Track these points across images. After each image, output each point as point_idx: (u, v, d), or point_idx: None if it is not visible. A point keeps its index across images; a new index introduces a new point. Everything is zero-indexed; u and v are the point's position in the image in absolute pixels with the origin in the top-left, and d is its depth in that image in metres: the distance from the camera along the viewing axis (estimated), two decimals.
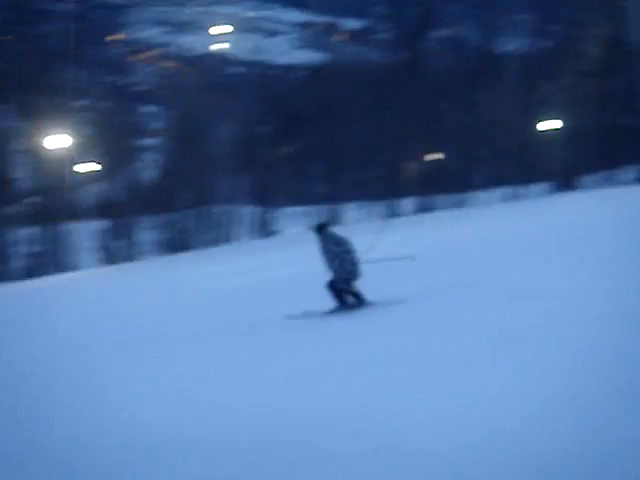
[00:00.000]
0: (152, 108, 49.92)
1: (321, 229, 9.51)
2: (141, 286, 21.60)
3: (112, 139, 39.30)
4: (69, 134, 37.00)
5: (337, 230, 9.98)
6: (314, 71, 52.54)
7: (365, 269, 9.64)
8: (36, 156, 38.53)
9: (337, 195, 40.76)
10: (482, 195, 41.04)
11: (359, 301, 9.43)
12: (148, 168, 43.26)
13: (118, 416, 6.24)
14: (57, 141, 36.92)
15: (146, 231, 39.33)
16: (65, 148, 37.32)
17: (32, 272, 36.16)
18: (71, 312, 16.01)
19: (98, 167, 40.32)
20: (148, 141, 45.78)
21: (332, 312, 9.33)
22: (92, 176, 41.16)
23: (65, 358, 9.88)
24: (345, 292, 9.42)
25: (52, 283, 28.83)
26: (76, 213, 39.19)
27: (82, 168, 39.87)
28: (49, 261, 37.88)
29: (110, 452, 5.19)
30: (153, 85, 56.02)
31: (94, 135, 39.66)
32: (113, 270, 33.13)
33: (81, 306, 17.16)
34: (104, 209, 40.34)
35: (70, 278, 31.21)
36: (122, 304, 16.31)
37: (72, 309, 16.62)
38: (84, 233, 38.26)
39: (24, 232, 37.73)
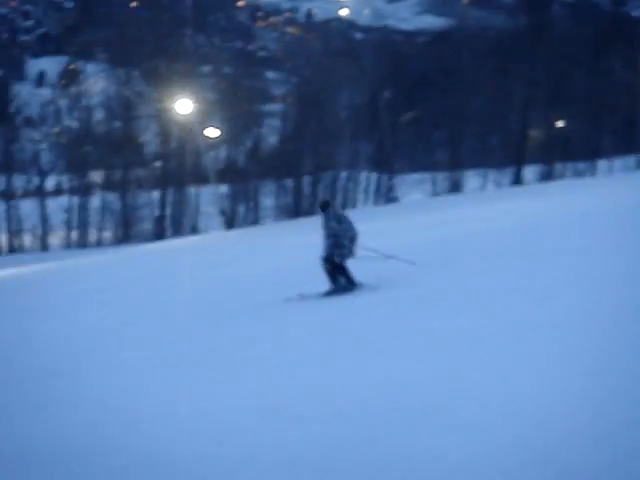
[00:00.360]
0: (276, 74, 50.87)
1: (326, 206, 9.58)
2: (261, 249, 21.81)
3: (236, 104, 40.13)
4: (195, 99, 38.28)
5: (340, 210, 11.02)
6: (437, 37, 51.69)
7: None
8: (163, 121, 40.09)
9: (458, 162, 40.16)
10: (609, 163, 39.73)
11: (349, 283, 9.38)
12: (270, 134, 44.13)
13: (246, 372, 6.36)
14: (183, 106, 38.30)
15: (268, 196, 40.26)
16: (190, 113, 38.70)
17: (158, 234, 38.12)
18: (194, 273, 16.33)
19: (222, 132, 41.70)
20: (271, 107, 46.58)
21: (328, 294, 9.39)
22: (216, 141, 42.66)
23: (189, 318, 10.05)
24: (339, 271, 9.37)
25: (177, 245, 29.89)
26: (200, 177, 40.70)
27: (207, 133, 41.37)
28: (174, 223, 39.66)
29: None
30: (277, 51, 56.98)
31: (218, 100, 40.89)
32: (235, 233, 34.04)
33: (204, 268, 17.48)
34: (227, 174, 41.57)
35: (193, 241, 32.30)
36: (243, 268, 16.40)
37: (195, 270, 16.96)
38: (208, 197, 39.72)
39: (151, 195, 39.86)
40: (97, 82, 42.50)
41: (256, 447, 4.42)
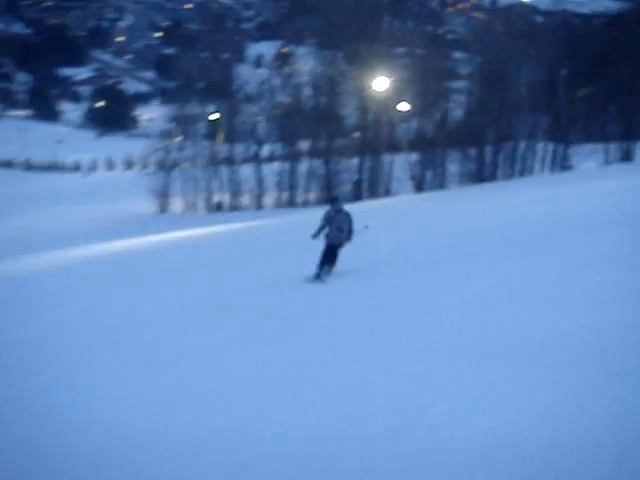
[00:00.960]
0: (462, 54, 52.50)
1: (334, 200, 11.79)
2: (445, 212, 23.24)
3: (426, 82, 42.55)
4: (390, 78, 41.29)
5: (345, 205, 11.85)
6: (613, 19, 50.15)
7: None
8: (362, 97, 43.64)
9: (629, 134, 40.16)
10: None
11: (333, 264, 11.15)
12: (456, 108, 46.26)
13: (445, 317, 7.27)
14: (380, 84, 41.50)
15: (453, 163, 42.60)
16: (386, 90, 41.72)
17: (356, 196, 41.91)
18: (387, 232, 16.98)
19: (413, 106, 44.32)
20: (457, 84, 48.70)
21: (315, 277, 11.03)
22: (408, 114, 45.38)
23: (382, 270, 11.39)
24: (329, 259, 11.12)
25: (371, 206, 31.39)
26: (393, 146, 43.84)
27: (400, 107, 44.22)
28: (370, 187, 43.15)
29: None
30: (464, 34, 58.31)
31: (411, 78, 43.51)
32: (422, 197, 36.18)
33: (394, 226, 18.96)
34: (417, 143, 44.37)
35: (386, 202, 34.90)
36: (429, 227, 17.67)
37: (387, 230, 17.62)
38: (400, 164, 42.66)
39: (350, 162, 43.64)
40: (306, 63, 46.98)
41: None
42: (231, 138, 48.60)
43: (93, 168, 79.28)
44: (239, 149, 48.50)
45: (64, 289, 14.07)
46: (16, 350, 8.57)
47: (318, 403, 5.41)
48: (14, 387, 6.91)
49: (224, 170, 46.97)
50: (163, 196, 46.70)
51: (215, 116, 50.84)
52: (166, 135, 50.88)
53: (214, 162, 48.01)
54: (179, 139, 50.22)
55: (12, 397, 6.49)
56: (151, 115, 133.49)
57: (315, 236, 11.27)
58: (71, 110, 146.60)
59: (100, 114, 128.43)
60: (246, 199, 45.85)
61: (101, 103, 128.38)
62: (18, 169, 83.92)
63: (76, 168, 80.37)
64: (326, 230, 11.34)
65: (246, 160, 48.31)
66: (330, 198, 12.90)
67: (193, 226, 31.00)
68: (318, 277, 11.04)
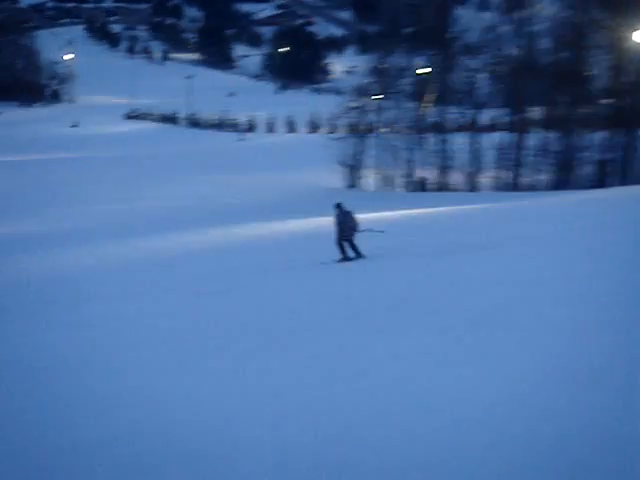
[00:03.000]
0: None
1: (338, 206, 17.30)
2: None
3: None
4: None
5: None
6: None
7: None
8: (617, 53, 43.55)
9: None
10: None
11: (357, 254, 17.24)
12: None
13: None
14: None
15: None
16: None
17: (599, 181, 41.89)
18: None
19: None
20: None
21: (338, 261, 17.26)
22: None
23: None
24: (347, 247, 17.23)
25: (621, 194, 30.25)
26: None
27: None
28: (620, 170, 42.82)
29: None
30: None
31: None
32: None
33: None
34: None
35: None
36: None
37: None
38: None
39: (595, 137, 43.58)
40: (545, 7, 48.18)
41: None
42: (443, 100, 50.75)
43: (270, 128, 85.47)
44: (452, 114, 50.49)
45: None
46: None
47: None
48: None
49: (431, 140, 49.37)
50: (353, 168, 50.39)
51: (425, 71, 52.88)
52: (362, 92, 54.29)
53: (419, 129, 50.54)
54: (377, 98, 53.46)
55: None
56: (345, 66, 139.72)
57: (338, 241, 17.36)
58: (248, 56, 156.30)
59: (282, 62, 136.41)
60: (457, 177, 47.89)
61: (285, 49, 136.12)
62: (182, 125, 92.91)
63: (249, 127, 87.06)
64: (339, 232, 17.32)
65: (460, 128, 50.17)
66: (336, 204, 17.51)
67: (392, 207, 33.38)
68: (348, 259, 17.28)
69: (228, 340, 10.27)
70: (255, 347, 9.66)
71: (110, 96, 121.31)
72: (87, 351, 10.62)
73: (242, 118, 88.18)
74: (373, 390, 7.20)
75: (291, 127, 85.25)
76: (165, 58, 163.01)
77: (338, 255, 17.29)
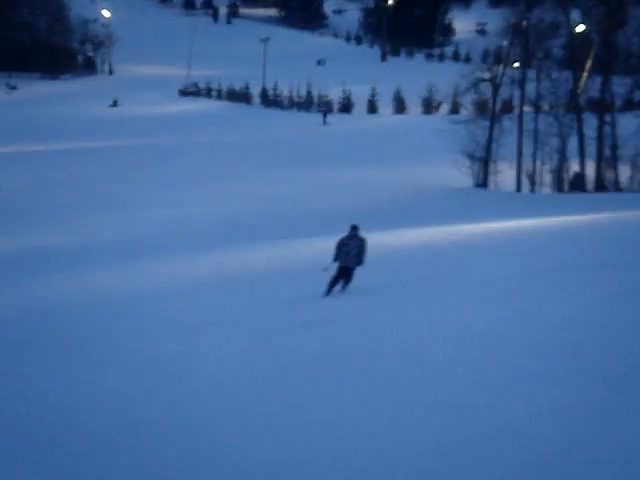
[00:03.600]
0: None
1: (354, 228, 19.87)
2: None
3: None
4: None
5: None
6: None
7: None
8: None
9: None
10: None
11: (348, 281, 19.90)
12: None
13: None
14: None
15: None
16: None
17: None
18: None
19: None
20: None
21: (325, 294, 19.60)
22: None
23: None
24: (341, 276, 19.74)
25: None
26: None
27: None
28: None
29: None
30: None
31: None
32: None
33: None
34: None
35: None
36: None
37: None
38: None
39: None
40: None
41: None
42: (608, 68, 50.44)
43: (372, 107, 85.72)
44: (620, 87, 50.86)
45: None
46: None
47: None
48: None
49: (591, 122, 49.19)
50: (484, 160, 50.59)
51: (583, 29, 52.96)
52: (495, 59, 54.43)
53: (575, 107, 50.73)
54: (517, 67, 53.64)
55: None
56: (472, 24, 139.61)
57: (334, 260, 19.97)
58: (343, 12, 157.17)
59: (390, 20, 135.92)
60: (626, 172, 48.34)
61: (393, 1, 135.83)
62: (255, 104, 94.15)
63: (344, 106, 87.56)
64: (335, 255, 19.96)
65: (631, 106, 51.67)
66: (352, 226, 20.08)
67: (538, 212, 33.54)
68: (326, 294, 19.69)
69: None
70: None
71: (160, 65, 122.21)
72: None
73: (335, 94, 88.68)
74: None
75: (400, 106, 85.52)
76: (233, 15, 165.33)
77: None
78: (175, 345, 15.08)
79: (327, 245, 20.12)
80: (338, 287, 19.73)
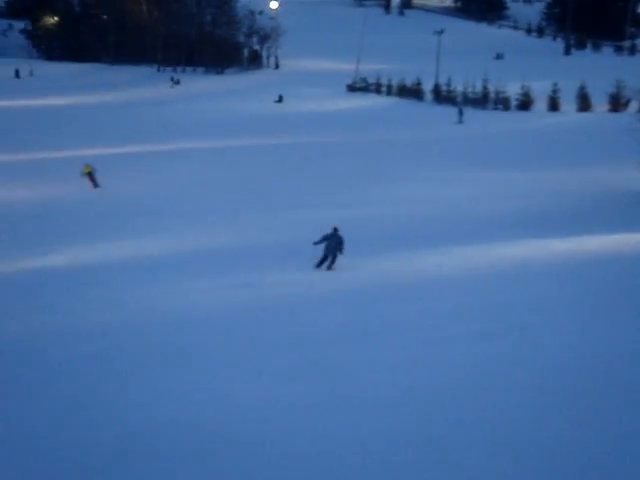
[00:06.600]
0: None
1: (335, 229, 29.80)
2: None
3: None
4: None
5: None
6: None
7: None
8: None
9: None
10: None
11: (332, 263, 30.18)
12: None
13: None
14: None
15: None
16: None
17: None
18: None
19: None
20: None
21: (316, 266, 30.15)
22: None
23: None
24: (328, 258, 30.03)
25: None
26: None
27: None
28: None
29: None
30: None
31: None
32: None
33: None
34: None
35: None
36: None
37: None
38: None
39: None
40: None
41: None
42: None
43: (553, 104, 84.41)
44: None
45: None
46: None
47: None
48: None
49: None
50: None
51: None
52: None
53: None
54: None
55: None
56: None
57: (316, 243, 29.91)
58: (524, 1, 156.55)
59: (575, 9, 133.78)
60: None
61: None
62: (427, 101, 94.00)
63: (523, 103, 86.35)
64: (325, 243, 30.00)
65: None
66: (333, 228, 29.69)
67: None
68: (317, 266, 30.00)
69: None
70: None
71: (327, 59, 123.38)
72: None
73: (513, 90, 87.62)
74: None
75: (584, 102, 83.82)
76: (406, 6, 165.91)
77: None
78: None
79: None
80: (326, 264, 29.90)
